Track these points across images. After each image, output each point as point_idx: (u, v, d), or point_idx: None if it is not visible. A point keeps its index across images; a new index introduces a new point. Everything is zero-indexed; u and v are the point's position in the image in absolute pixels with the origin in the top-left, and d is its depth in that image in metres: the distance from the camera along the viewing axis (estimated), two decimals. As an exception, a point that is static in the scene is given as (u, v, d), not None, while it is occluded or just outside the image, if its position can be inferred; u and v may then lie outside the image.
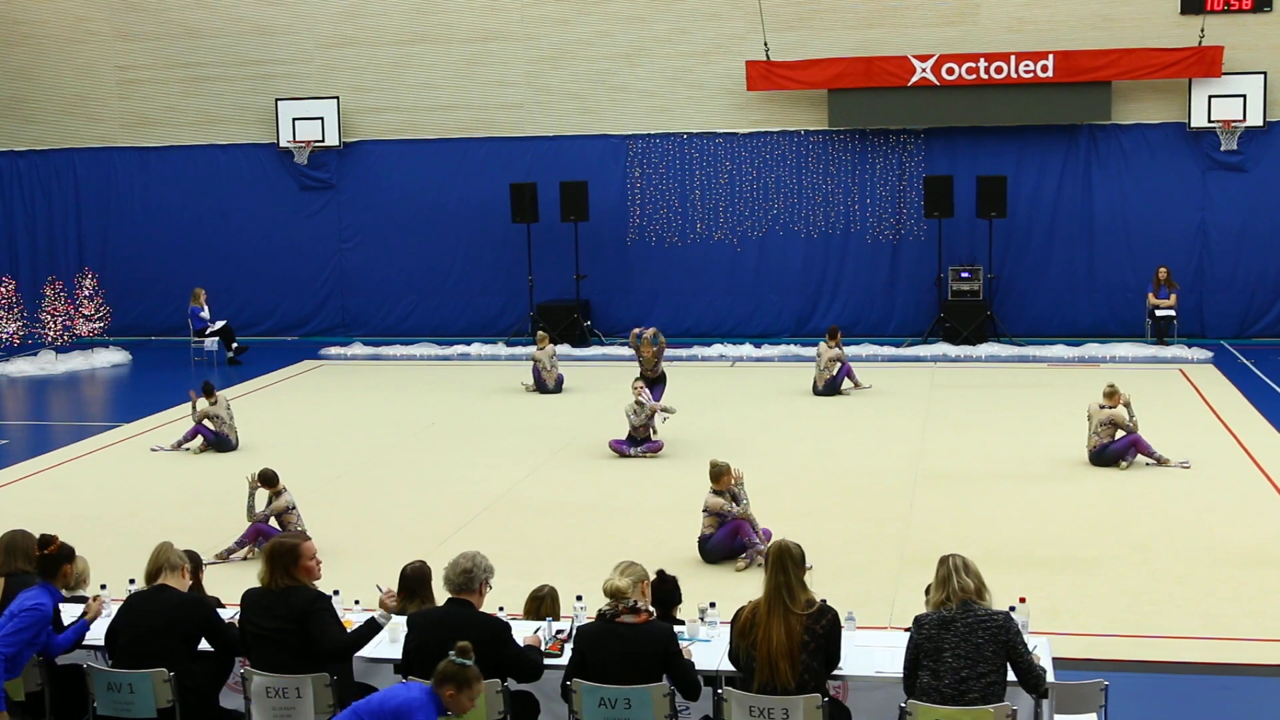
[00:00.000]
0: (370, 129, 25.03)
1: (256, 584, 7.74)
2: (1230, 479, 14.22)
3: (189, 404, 16.55)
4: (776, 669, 6.93)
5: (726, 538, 11.72)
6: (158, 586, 7.78)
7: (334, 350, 23.83)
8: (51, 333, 23.34)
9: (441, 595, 7.74)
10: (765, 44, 23.22)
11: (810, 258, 23.99)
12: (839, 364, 18.89)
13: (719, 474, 11.80)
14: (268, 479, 12.17)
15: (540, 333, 20.03)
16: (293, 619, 7.49)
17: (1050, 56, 22.42)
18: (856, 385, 18.98)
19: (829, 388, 18.79)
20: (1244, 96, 22.21)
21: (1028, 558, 11.69)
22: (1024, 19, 22.87)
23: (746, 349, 22.81)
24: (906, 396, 18.77)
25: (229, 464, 15.58)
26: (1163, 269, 22.27)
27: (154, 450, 16.44)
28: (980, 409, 18.01)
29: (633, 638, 7.19)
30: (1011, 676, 6.98)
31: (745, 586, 7.51)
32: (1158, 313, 22.23)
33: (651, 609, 7.52)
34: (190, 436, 16.52)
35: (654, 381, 16.68)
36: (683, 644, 7.63)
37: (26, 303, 23.97)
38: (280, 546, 7.72)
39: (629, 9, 23.95)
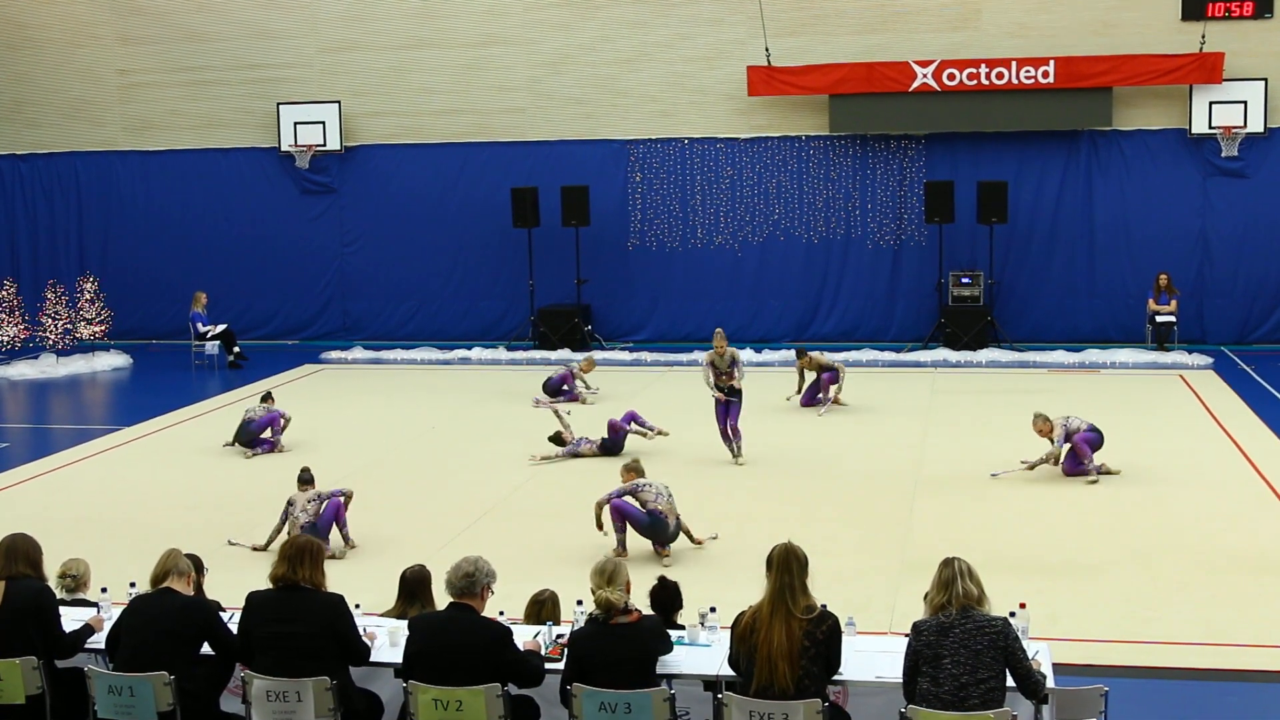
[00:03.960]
0: (371, 133, 25.04)
1: (256, 587, 7.71)
2: (1230, 485, 14.21)
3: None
4: (775, 670, 6.92)
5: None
6: (162, 589, 7.75)
7: (334, 354, 23.83)
8: (52, 336, 23.30)
9: (442, 599, 7.74)
10: (767, 49, 23.23)
11: (811, 263, 23.98)
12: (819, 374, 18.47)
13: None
14: (305, 480, 12.43)
15: (587, 357, 19.93)
16: (312, 622, 7.47)
17: (1051, 62, 22.41)
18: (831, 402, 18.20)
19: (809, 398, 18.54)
20: (1245, 103, 22.20)
21: (1028, 563, 11.69)
22: (1025, 25, 22.86)
23: (747, 354, 22.74)
24: (907, 402, 18.76)
25: (230, 468, 15.62)
26: (1163, 275, 22.28)
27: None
28: (981, 414, 18.00)
29: (630, 637, 7.24)
30: (1011, 682, 6.96)
31: (746, 591, 7.51)
32: (1158, 319, 22.25)
33: (638, 608, 7.54)
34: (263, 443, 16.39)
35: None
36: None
37: (28, 306, 23.92)
38: (308, 545, 7.71)
39: (630, 14, 23.95)
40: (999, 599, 7.38)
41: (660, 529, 11.94)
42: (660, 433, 16.17)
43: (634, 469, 12.26)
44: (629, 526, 12.00)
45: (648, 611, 7.97)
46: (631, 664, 7.19)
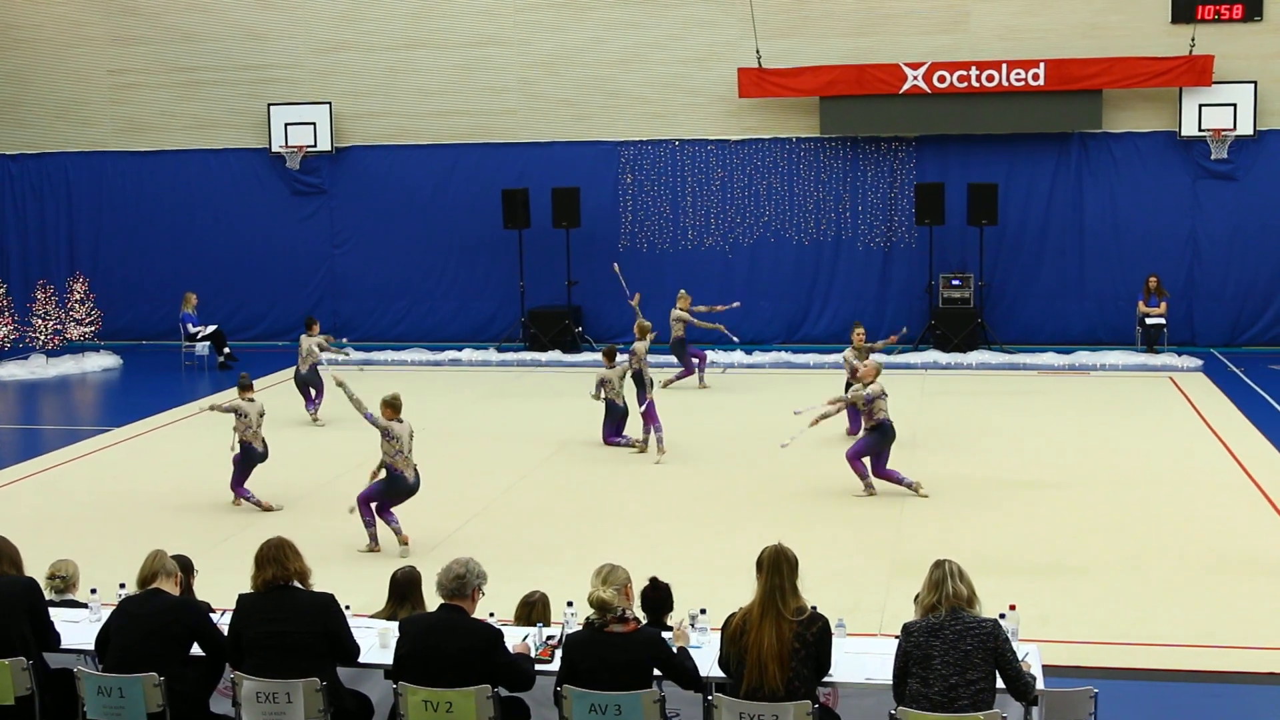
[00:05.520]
0: (363, 134, 25.02)
1: (246, 589, 7.69)
2: (1220, 487, 14.24)
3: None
4: (766, 671, 6.93)
5: None
6: (151, 590, 7.72)
7: (325, 355, 23.70)
8: (42, 336, 23.28)
9: (433, 601, 7.72)
10: (758, 51, 23.23)
11: (801, 265, 24.00)
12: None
13: None
14: (244, 385, 14.13)
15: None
16: (304, 621, 7.46)
17: (1041, 65, 22.41)
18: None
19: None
20: (1234, 105, 22.23)
21: (1018, 565, 11.71)
22: (1015, 27, 22.85)
23: (738, 355, 22.79)
24: (897, 403, 18.64)
25: (220, 469, 15.35)
26: (1153, 277, 22.27)
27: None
28: (971, 416, 18.02)
29: (623, 646, 7.17)
30: (1001, 684, 6.96)
31: (736, 593, 7.53)
32: (1148, 321, 22.24)
33: (640, 616, 7.54)
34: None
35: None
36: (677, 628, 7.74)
37: (17, 306, 23.91)
38: (280, 542, 7.68)
39: (623, 16, 23.95)
40: (989, 600, 7.36)
41: (398, 487, 12.31)
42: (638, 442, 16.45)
43: (391, 405, 12.63)
44: (378, 513, 12.45)
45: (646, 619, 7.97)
46: (625, 674, 7.14)
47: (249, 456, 13.99)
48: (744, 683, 6.99)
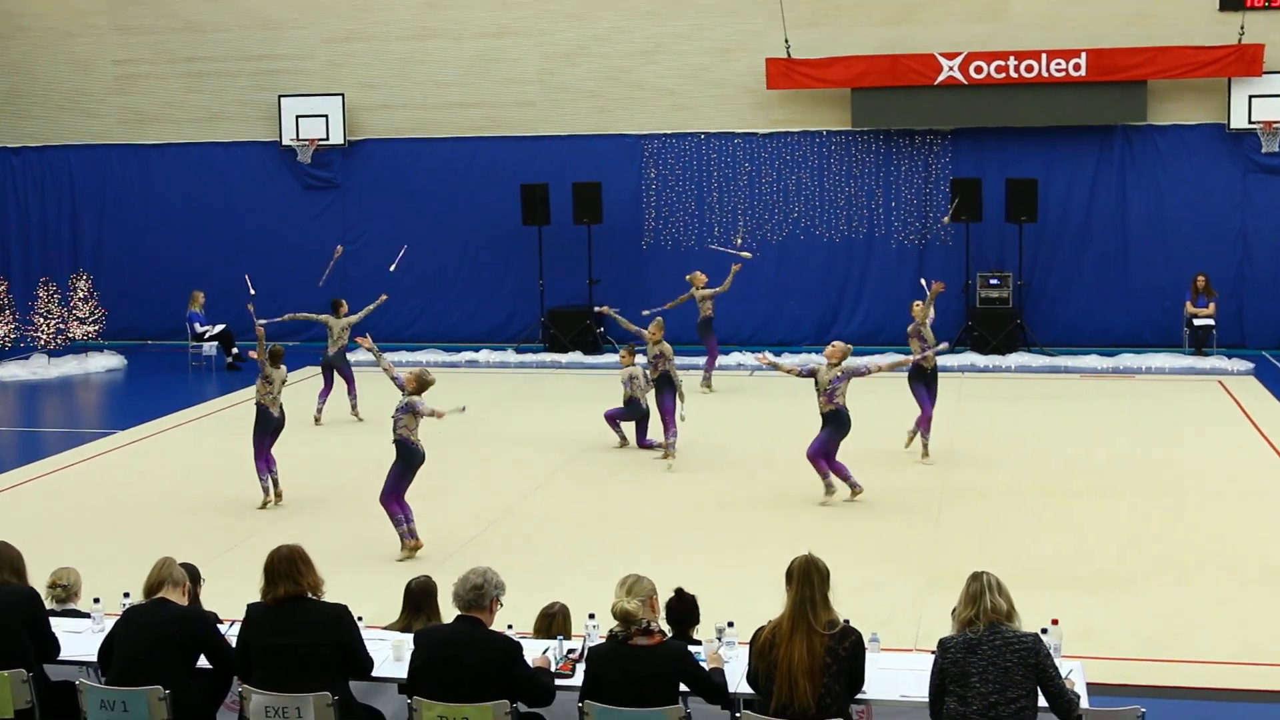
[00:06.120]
0: (376, 127, 24.83)
1: (255, 598, 7.56)
2: (1271, 495, 14.01)
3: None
4: (796, 687, 6.79)
5: None
6: (157, 600, 7.63)
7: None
8: (44, 336, 23.14)
9: (449, 612, 7.63)
10: (786, 41, 22.92)
11: (832, 263, 23.73)
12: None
13: None
14: (275, 355, 14.35)
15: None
16: (316, 634, 7.36)
17: (1083, 55, 22.07)
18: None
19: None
20: (1286, 96, 21.91)
21: (1059, 577, 11.48)
22: (1056, 15, 22.51)
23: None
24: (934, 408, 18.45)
25: (228, 473, 15.41)
26: (1201, 276, 21.89)
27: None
28: (1010, 421, 17.80)
29: (647, 659, 7.06)
30: (1043, 702, 6.76)
31: (765, 605, 7.49)
32: (1196, 322, 21.91)
33: (665, 629, 7.40)
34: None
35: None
36: (709, 650, 7.71)
37: (19, 304, 23.80)
38: (291, 553, 7.55)
39: (646, 4, 23.72)
40: (1029, 615, 7.15)
41: (413, 461, 12.56)
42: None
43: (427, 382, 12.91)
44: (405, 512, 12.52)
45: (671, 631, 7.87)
46: (649, 688, 7.02)
47: (265, 421, 14.14)
48: (773, 699, 6.87)
